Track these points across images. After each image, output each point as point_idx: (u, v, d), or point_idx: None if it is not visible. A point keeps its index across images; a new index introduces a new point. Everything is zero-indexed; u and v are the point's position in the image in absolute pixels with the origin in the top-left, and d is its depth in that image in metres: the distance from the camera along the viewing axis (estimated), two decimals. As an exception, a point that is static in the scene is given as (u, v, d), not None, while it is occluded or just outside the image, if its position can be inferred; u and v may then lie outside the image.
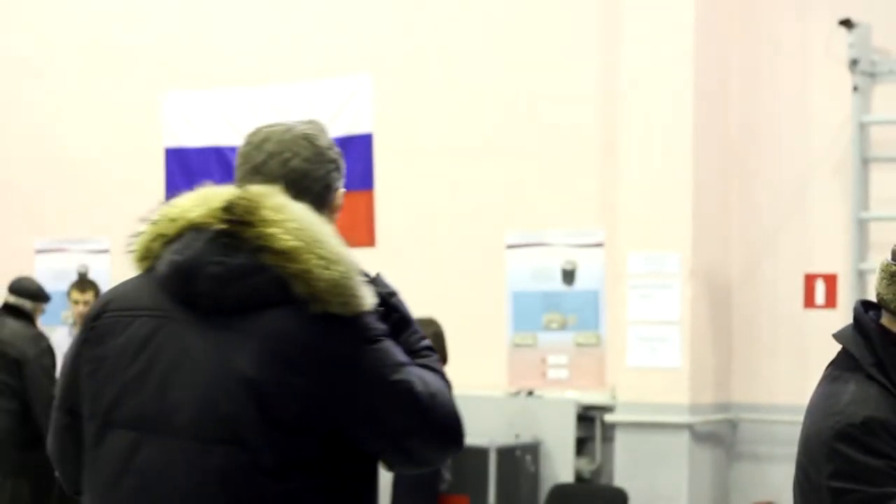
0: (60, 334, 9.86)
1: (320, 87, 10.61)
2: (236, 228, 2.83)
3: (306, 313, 2.78)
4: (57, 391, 3.05)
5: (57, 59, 11.83)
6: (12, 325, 8.71)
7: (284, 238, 2.79)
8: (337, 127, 10.54)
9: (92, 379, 2.93)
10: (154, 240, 2.93)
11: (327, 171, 3.00)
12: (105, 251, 11.56)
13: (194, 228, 2.87)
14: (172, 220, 2.92)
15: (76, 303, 10.20)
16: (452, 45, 10.25)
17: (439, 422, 2.90)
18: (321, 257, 2.78)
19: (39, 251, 11.74)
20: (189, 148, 11.15)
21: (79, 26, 11.78)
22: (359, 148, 10.45)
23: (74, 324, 10.31)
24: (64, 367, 3.03)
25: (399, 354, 2.87)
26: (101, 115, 11.59)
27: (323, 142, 3.02)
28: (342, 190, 3.05)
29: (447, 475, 8.56)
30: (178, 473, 2.78)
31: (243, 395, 2.75)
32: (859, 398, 3.16)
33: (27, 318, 8.80)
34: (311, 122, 3.07)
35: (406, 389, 2.83)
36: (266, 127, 3.03)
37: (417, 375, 2.87)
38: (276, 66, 10.87)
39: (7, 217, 11.97)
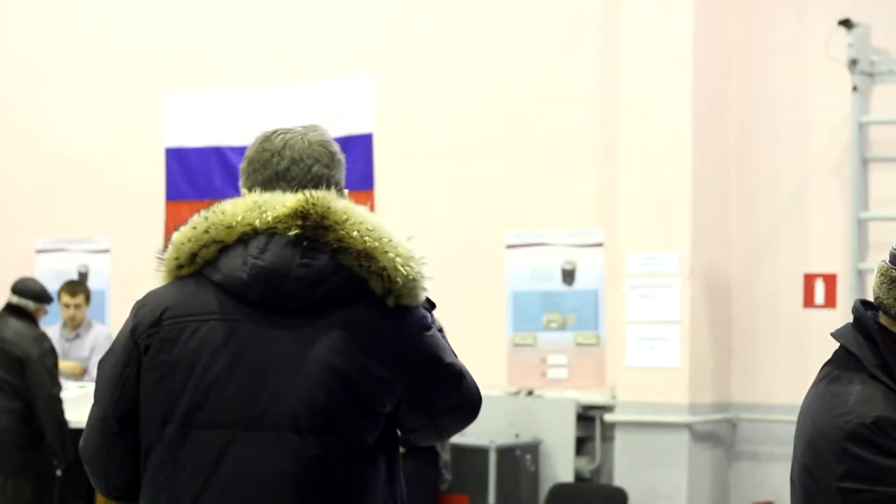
0: (52, 334, 9.82)
1: (321, 87, 10.63)
2: (314, 233, 3.00)
3: (381, 306, 3.02)
4: (102, 399, 3.13)
5: (57, 59, 11.83)
6: (15, 325, 8.72)
7: (364, 239, 3.00)
8: (337, 127, 10.56)
9: (162, 384, 3.04)
10: (207, 246, 3.05)
11: (340, 173, 3.18)
12: (105, 251, 11.57)
13: (260, 234, 3.02)
14: (229, 227, 3.04)
15: (66, 306, 10.19)
16: (453, 46, 10.26)
17: (471, 401, 3.15)
18: (398, 255, 3.04)
19: (40, 251, 11.75)
20: (189, 148, 11.16)
21: (79, 27, 11.79)
22: (359, 148, 10.47)
23: (65, 325, 10.30)
24: (110, 373, 3.11)
25: (444, 340, 3.14)
26: (101, 115, 11.60)
27: (335, 146, 3.19)
28: (346, 192, 3.20)
29: (447, 475, 8.58)
30: (276, 465, 2.96)
31: (334, 385, 2.96)
32: (867, 398, 3.15)
33: (30, 318, 8.82)
34: (316, 126, 3.22)
35: (456, 372, 3.11)
36: (280, 133, 3.16)
37: (458, 360, 3.15)
38: (277, 66, 10.88)
39: (7, 217, 11.98)
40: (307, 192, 3.04)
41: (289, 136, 3.14)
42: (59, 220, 11.74)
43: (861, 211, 8.94)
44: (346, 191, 3.19)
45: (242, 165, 3.18)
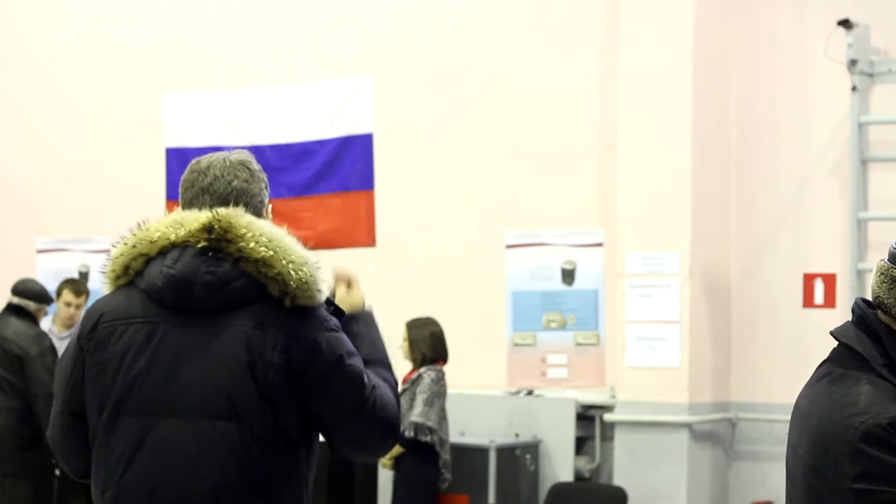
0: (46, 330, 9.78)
1: (321, 87, 10.63)
2: (218, 244, 3.51)
3: (280, 307, 3.50)
4: (58, 395, 3.66)
5: (58, 60, 11.85)
6: (16, 324, 8.75)
7: (259, 249, 3.50)
8: (338, 127, 10.57)
9: (98, 380, 3.56)
10: (135, 259, 3.58)
11: (260, 188, 3.68)
12: (106, 251, 11.56)
13: (176, 246, 3.53)
14: (152, 241, 3.56)
15: (68, 304, 10.06)
16: (452, 47, 10.27)
17: (380, 408, 3.56)
18: (291, 261, 3.50)
19: (41, 251, 11.76)
20: (190, 148, 11.16)
21: (80, 27, 11.80)
22: (359, 148, 10.47)
23: (55, 321, 10.23)
24: (63, 373, 3.66)
25: (350, 345, 3.57)
26: (102, 115, 11.61)
27: (255, 166, 3.70)
28: (270, 205, 3.74)
29: (447, 475, 8.59)
30: (188, 447, 3.45)
31: (241, 376, 3.46)
32: (878, 398, 3.10)
33: (30, 318, 8.85)
34: (240, 151, 3.74)
35: (356, 373, 3.53)
36: (206, 157, 3.70)
37: (364, 368, 3.56)
38: (277, 66, 10.89)
39: (8, 217, 12.00)
40: (215, 210, 3.56)
41: (213, 158, 3.69)
42: (60, 220, 11.75)
43: (860, 211, 8.94)
44: (269, 205, 3.72)
45: (180, 189, 3.69)
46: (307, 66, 10.75)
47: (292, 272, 3.48)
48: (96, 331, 3.58)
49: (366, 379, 3.53)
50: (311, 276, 3.50)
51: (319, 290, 3.51)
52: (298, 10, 10.92)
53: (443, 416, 8.61)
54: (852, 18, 8.90)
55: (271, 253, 3.49)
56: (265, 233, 3.52)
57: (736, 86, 9.43)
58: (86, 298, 10.27)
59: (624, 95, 9.37)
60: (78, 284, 10.38)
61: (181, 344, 3.49)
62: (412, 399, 8.61)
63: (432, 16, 10.39)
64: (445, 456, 8.58)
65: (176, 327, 3.50)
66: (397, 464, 8.54)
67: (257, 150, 10.83)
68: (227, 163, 3.66)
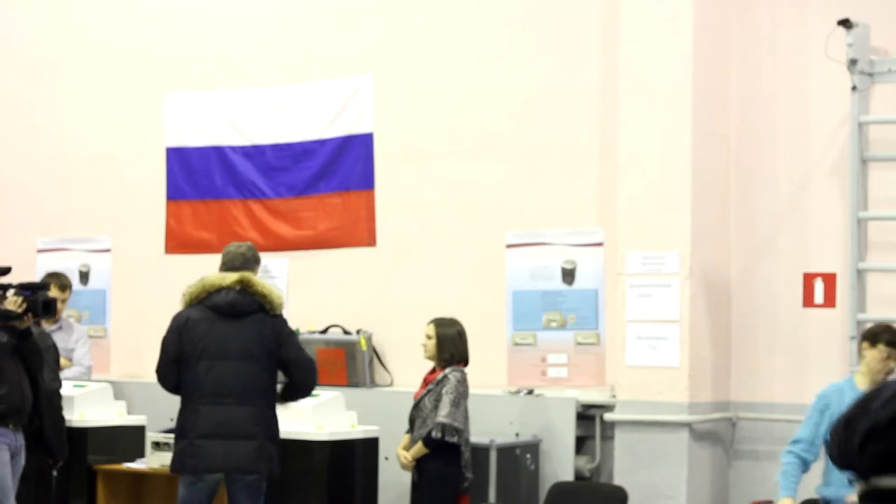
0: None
1: (321, 87, 10.64)
2: (245, 287, 7.87)
3: (270, 315, 7.91)
4: (166, 349, 7.93)
5: (59, 60, 11.86)
6: (19, 322, 8.81)
7: (263, 291, 7.90)
8: (338, 127, 10.57)
9: (188, 345, 7.86)
10: (201, 292, 7.92)
11: (251, 265, 8.23)
12: (107, 250, 11.59)
13: (224, 288, 7.88)
14: (212, 284, 7.91)
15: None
16: (452, 46, 10.28)
17: (309, 364, 8.06)
18: (276, 296, 7.94)
19: (41, 250, 11.77)
20: (190, 147, 11.18)
21: (81, 27, 11.81)
22: (359, 148, 10.48)
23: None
24: (171, 341, 7.91)
25: (293, 332, 8.14)
26: (103, 114, 11.62)
27: (249, 253, 8.32)
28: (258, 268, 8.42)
29: (469, 474, 8.58)
30: (233, 374, 7.80)
31: (256, 341, 7.86)
32: None
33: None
34: (246, 242, 8.65)
35: (299, 343, 8.11)
36: (229, 246, 8.42)
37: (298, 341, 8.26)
38: (278, 66, 10.90)
39: (9, 216, 12.01)
40: (241, 273, 7.92)
41: (231, 247, 8.38)
42: (61, 219, 11.76)
43: (860, 210, 8.95)
44: (257, 267, 8.32)
45: (222, 256, 8.40)
46: (307, 66, 10.76)
47: (276, 300, 7.90)
48: (189, 321, 7.87)
49: (301, 345, 8.14)
50: (281, 301, 7.96)
51: (283, 308, 7.99)
52: (299, 9, 10.93)
53: (466, 417, 8.61)
54: (852, 18, 8.91)
55: (265, 291, 7.89)
56: (263, 284, 7.95)
57: (736, 86, 9.44)
58: (69, 293, 10.26)
59: (624, 95, 9.38)
60: (62, 279, 10.35)
61: (229, 328, 7.84)
62: (437, 399, 8.56)
63: (432, 16, 10.39)
64: (467, 454, 8.58)
65: (225, 323, 7.85)
66: (420, 465, 8.53)
67: (258, 150, 10.91)
68: (240, 249, 8.34)
